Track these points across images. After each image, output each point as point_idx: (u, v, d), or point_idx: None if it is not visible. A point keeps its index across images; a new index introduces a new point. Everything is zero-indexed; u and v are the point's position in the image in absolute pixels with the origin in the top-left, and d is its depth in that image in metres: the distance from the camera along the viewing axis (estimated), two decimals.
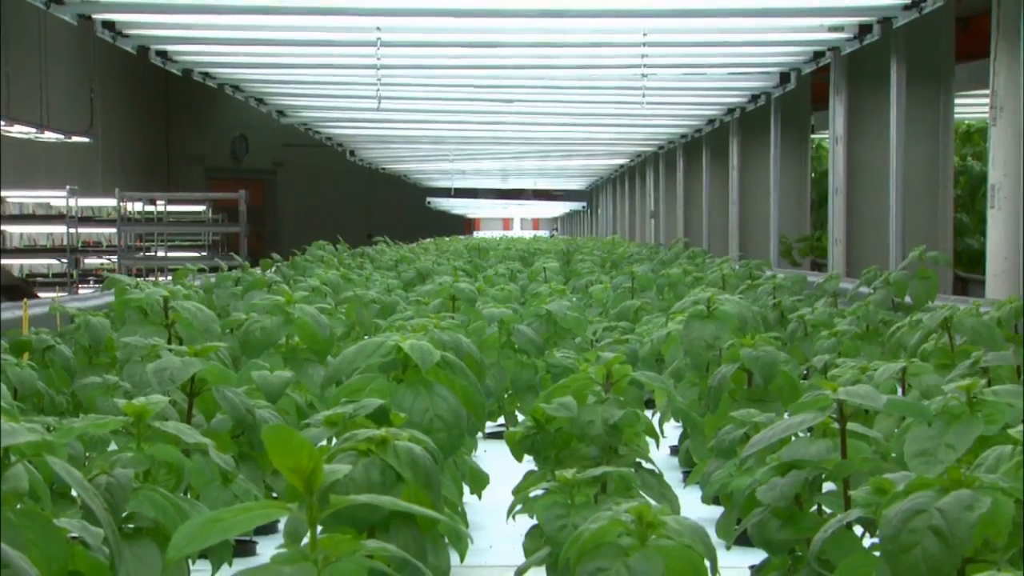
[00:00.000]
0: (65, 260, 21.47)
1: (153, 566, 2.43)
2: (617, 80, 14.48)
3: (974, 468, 2.39)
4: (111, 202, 21.88)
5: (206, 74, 14.18)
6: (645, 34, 11.47)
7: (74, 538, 2.09)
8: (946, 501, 2.00)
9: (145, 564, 2.43)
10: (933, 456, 2.76)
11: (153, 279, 15.41)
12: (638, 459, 3.36)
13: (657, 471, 3.36)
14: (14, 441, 1.98)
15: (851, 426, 2.84)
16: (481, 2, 10.43)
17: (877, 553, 2.20)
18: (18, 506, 2.04)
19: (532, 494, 2.93)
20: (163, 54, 12.63)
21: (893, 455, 2.93)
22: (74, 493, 2.09)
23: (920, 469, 2.71)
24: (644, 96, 14.06)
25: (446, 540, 2.66)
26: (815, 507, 2.89)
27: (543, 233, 44.85)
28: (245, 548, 3.93)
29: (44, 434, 2.04)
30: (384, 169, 31.58)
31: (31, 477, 2.08)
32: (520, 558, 2.99)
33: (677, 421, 4.87)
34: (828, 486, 2.90)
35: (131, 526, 2.50)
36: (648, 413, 3.65)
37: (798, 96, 15.39)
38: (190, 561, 2.85)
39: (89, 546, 2.07)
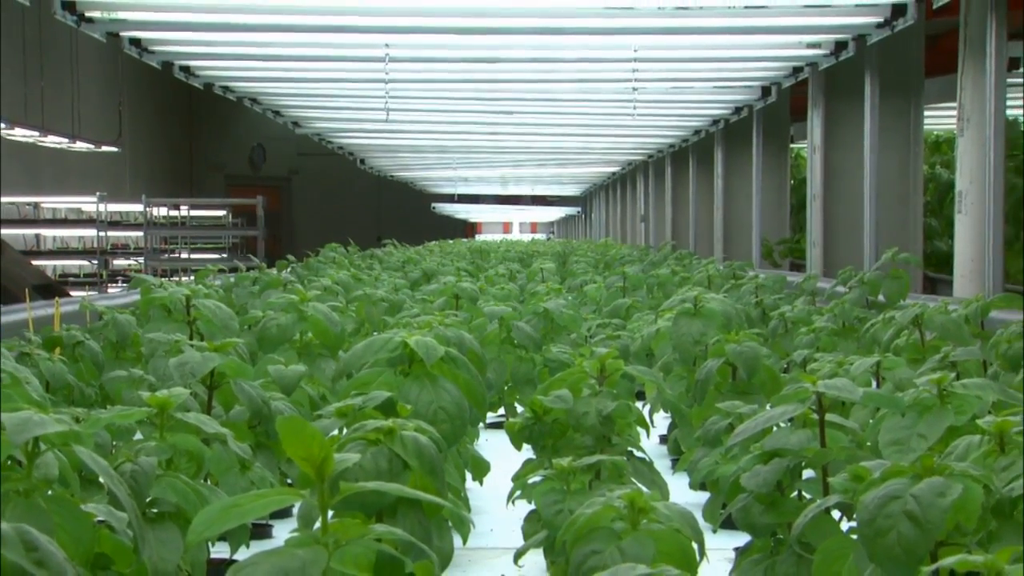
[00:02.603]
0: (95, 261, 21.46)
1: (175, 548, 2.42)
2: (610, 93, 14.48)
3: (945, 456, 2.38)
4: (138, 207, 21.87)
5: (226, 88, 14.17)
6: (636, 51, 11.46)
7: (100, 522, 2.07)
8: (920, 488, 1.99)
9: (167, 546, 2.41)
10: (906, 445, 2.75)
11: (176, 279, 15.41)
12: (630, 448, 3.35)
13: (647, 459, 3.35)
14: (44, 431, 1.97)
15: (829, 417, 2.82)
16: (483, 21, 10.42)
17: (855, 536, 2.18)
18: (48, 492, 2.03)
19: (530, 481, 2.92)
20: (186, 69, 12.62)
21: (869, 444, 2.92)
22: (101, 479, 2.07)
23: (894, 457, 2.70)
24: (635, 108, 14.07)
25: (450, 524, 2.64)
26: (796, 493, 2.88)
27: (541, 236, 44.79)
28: (262, 531, 3.91)
29: (72, 425, 2.03)
30: (392, 176, 31.57)
31: (60, 465, 2.06)
32: (519, 541, 2.97)
33: (666, 412, 4.85)
34: (808, 473, 2.89)
35: (154, 511, 2.49)
36: (639, 405, 3.64)
37: (778, 108, 15.38)
38: (210, 543, 2.83)
39: (114, 530, 2.05)
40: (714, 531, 3.43)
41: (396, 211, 41.66)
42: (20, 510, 1.94)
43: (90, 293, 17.29)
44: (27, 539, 1.66)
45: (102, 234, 21.07)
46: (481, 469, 4.16)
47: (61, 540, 1.93)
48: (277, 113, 16.81)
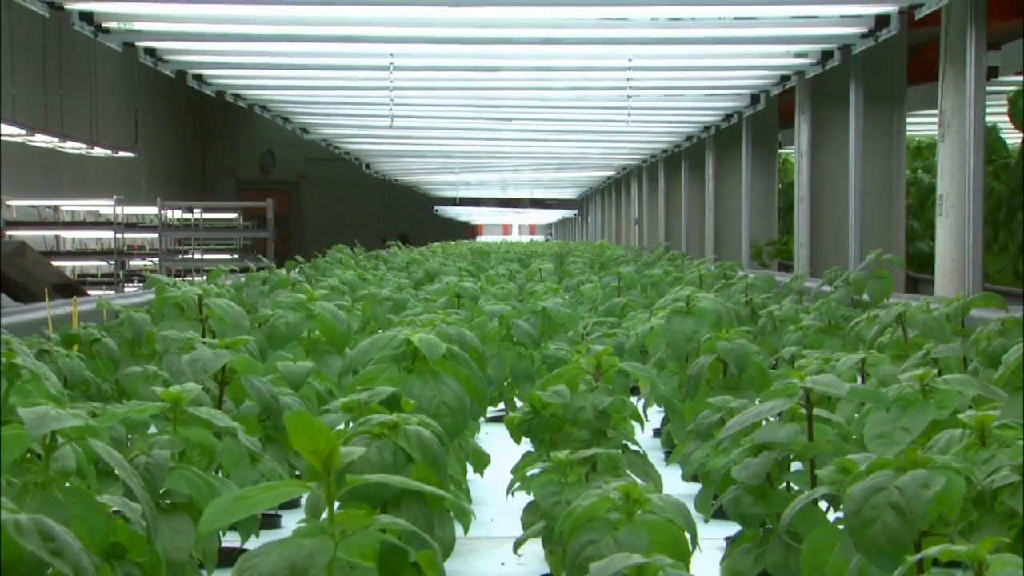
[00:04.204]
0: (112, 262, 21.46)
1: (187, 538, 2.41)
2: (605, 101, 14.46)
3: (927, 449, 2.37)
4: (153, 210, 21.88)
5: (237, 96, 14.15)
6: (630, 60, 11.45)
7: (115, 513, 2.06)
8: (904, 480, 1.98)
9: (180, 536, 2.40)
10: (890, 438, 2.74)
11: (189, 279, 15.38)
12: (625, 441, 3.34)
13: (642, 452, 3.34)
14: (60, 425, 1.96)
15: (816, 411, 2.81)
16: (483, 32, 10.41)
17: (841, 526, 2.17)
18: (66, 484, 2.02)
19: (529, 473, 2.91)
20: (199, 78, 12.61)
21: (854, 437, 2.91)
22: (116, 472, 2.06)
23: (879, 450, 2.69)
24: (629, 115, 14.05)
25: (451, 514, 2.63)
26: (784, 484, 2.87)
27: (539, 238, 44.77)
28: (271, 521, 3.90)
29: (88, 419, 2.02)
30: (396, 180, 31.54)
31: (77, 457, 2.05)
32: (518, 530, 2.97)
33: (660, 407, 4.84)
34: (796, 466, 2.88)
35: (168, 502, 2.48)
36: (633, 400, 3.63)
37: (767, 115, 15.36)
38: (221, 533, 2.82)
39: (129, 520, 2.05)
40: (706, 521, 3.41)
41: (400, 214, 41.63)
42: (38, 502, 1.93)
43: (107, 292, 17.27)
44: (44, 530, 1.66)
45: (119, 236, 21.08)
46: (482, 462, 4.14)
47: (77, 530, 1.92)
48: (286, 120, 16.80)
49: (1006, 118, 13.70)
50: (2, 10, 20.12)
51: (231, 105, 14.87)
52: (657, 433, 5.43)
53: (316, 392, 3.98)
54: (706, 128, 16.88)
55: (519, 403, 5.09)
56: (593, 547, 2.14)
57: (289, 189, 42.01)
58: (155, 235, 21.62)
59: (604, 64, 11.96)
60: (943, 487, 1.96)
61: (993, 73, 13.42)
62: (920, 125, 19.21)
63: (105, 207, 22.57)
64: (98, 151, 24.23)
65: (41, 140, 21.41)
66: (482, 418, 4.34)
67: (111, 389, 4.34)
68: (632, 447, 3.33)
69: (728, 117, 15.47)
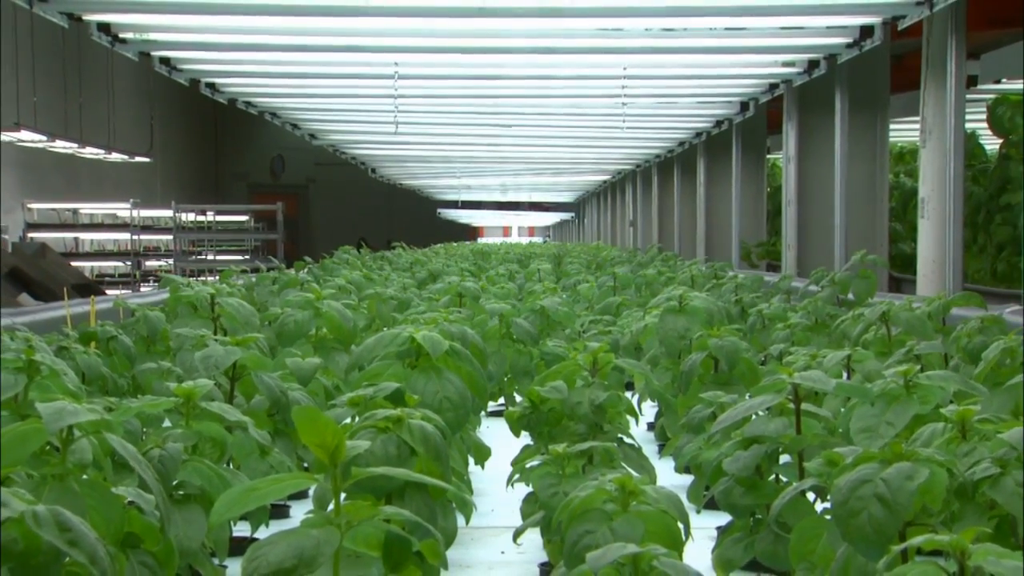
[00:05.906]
0: (129, 262, 21.45)
1: (199, 528, 2.40)
2: (601, 108, 14.45)
3: (911, 443, 2.36)
4: (168, 213, 21.88)
5: (248, 103, 14.14)
6: (625, 68, 11.44)
7: (130, 504, 2.05)
8: (889, 472, 1.97)
9: (192, 526, 2.40)
10: (875, 432, 2.73)
11: (203, 279, 15.37)
12: (620, 435, 3.33)
13: (636, 445, 3.33)
14: (77, 420, 1.95)
15: (804, 406, 2.81)
16: (484, 41, 10.40)
17: (829, 517, 2.16)
18: (83, 476, 2.01)
19: (528, 465, 2.90)
20: (212, 86, 12.60)
21: (841, 431, 2.90)
22: (131, 464, 2.05)
23: (864, 443, 2.68)
24: (624, 121, 14.05)
25: (453, 505, 2.62)
26: (773, 476, 2.86)
27: (538, 239, 44.73)
28: (280, 511, 3.89)
29: (103, 414, 2.01)
30: (401, 184, 31.53)
31: (94, 450, 2.04)
32: (518, 521, 2.95)
33: (653, 402, 4.83)
34: (785, 458, 2.87)
35: (180, 493, 2.47)
36: (628, 395, 3.62)
37: (756, 122, 15.35)
38: (232, 523, 2.81)
39: (143, 511, 2.04)
40: (698, 512, 3.40)
41: (405, 216, 41.61)
42: (55, 493, 1.92)
43: (124, 292, 17.25)
44: (61, 520, 1.65)
45: (135, 237, 21.09)
46: (483, 454, 4.13)
47: (93, 521, 1.91)
48: (295, 126, 16.79)
49: (985, 125, 13.70)
50: (13, 19, 20.10)
51: (243, 112, 14.86)
52: (651, 427, 5.42)
53: (323, 387, 3.97)
54: (698, 134, 16.87)
55: (519, 398, 5.09)
56: (590, 537, 2.13)
57: (298, 192, 42.00)
58: (170, 237, 21.63)
59: (600, 73, 11.95)
60: (926, 479, 1.96)
61: (973, 82, 13.42)
62: (902, 131, 19.20)
63: (122, 210, 22.57)
64: (115, 156, 24.22)
65: (61, 146, 21.42)
66: (483, 412, 4.34)
67: (127, 385, 4.34)
68: (627, 440, 3.32)
69: (719, 123, 15.46)
